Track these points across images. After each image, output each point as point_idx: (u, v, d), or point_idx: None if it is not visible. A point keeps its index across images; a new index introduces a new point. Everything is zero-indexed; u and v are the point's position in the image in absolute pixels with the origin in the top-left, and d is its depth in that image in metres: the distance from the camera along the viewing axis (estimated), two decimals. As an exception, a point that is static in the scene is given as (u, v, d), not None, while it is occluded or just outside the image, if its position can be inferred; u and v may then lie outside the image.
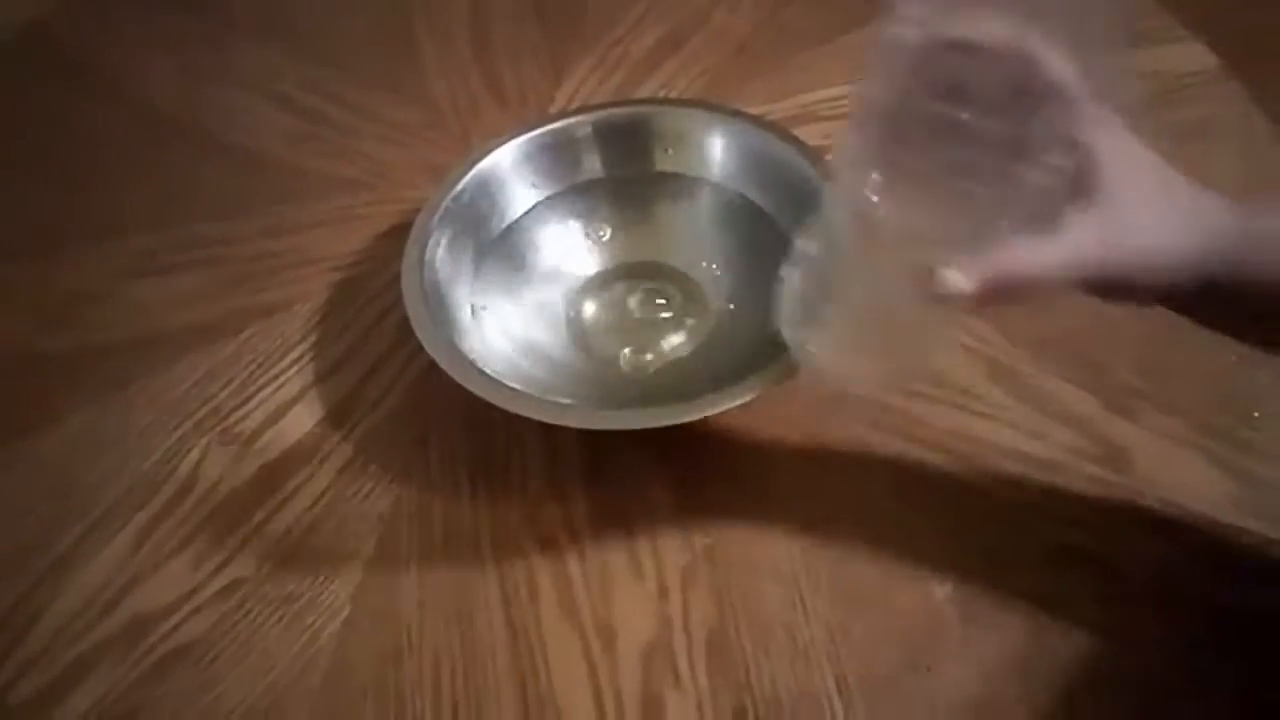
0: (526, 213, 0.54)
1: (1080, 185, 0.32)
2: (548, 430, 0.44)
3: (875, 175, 0.33)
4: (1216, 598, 0.41)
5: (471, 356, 0.45)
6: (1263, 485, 0.44)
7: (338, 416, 0.50)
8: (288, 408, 0.51)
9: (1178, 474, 0.44)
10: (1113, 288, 0.33)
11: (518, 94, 0.67)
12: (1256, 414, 0.46)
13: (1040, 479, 0.45)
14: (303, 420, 0.50)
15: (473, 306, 0.50)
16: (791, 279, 0.37)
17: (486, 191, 0.52)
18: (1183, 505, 0.43)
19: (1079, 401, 0.47)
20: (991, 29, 0.31)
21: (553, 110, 0.65)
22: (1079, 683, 0.39)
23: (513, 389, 0.43)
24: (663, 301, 0.52)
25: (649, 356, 0.50)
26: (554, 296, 0.53)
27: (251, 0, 0.79)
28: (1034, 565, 0.42)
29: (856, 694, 0.39)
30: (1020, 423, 0.47)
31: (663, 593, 0.43)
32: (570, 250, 0.54)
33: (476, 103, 0.67)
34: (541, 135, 0.54)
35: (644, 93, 0.66)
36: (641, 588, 0.43)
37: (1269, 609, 0.40)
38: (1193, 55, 0.63)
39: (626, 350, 0.51)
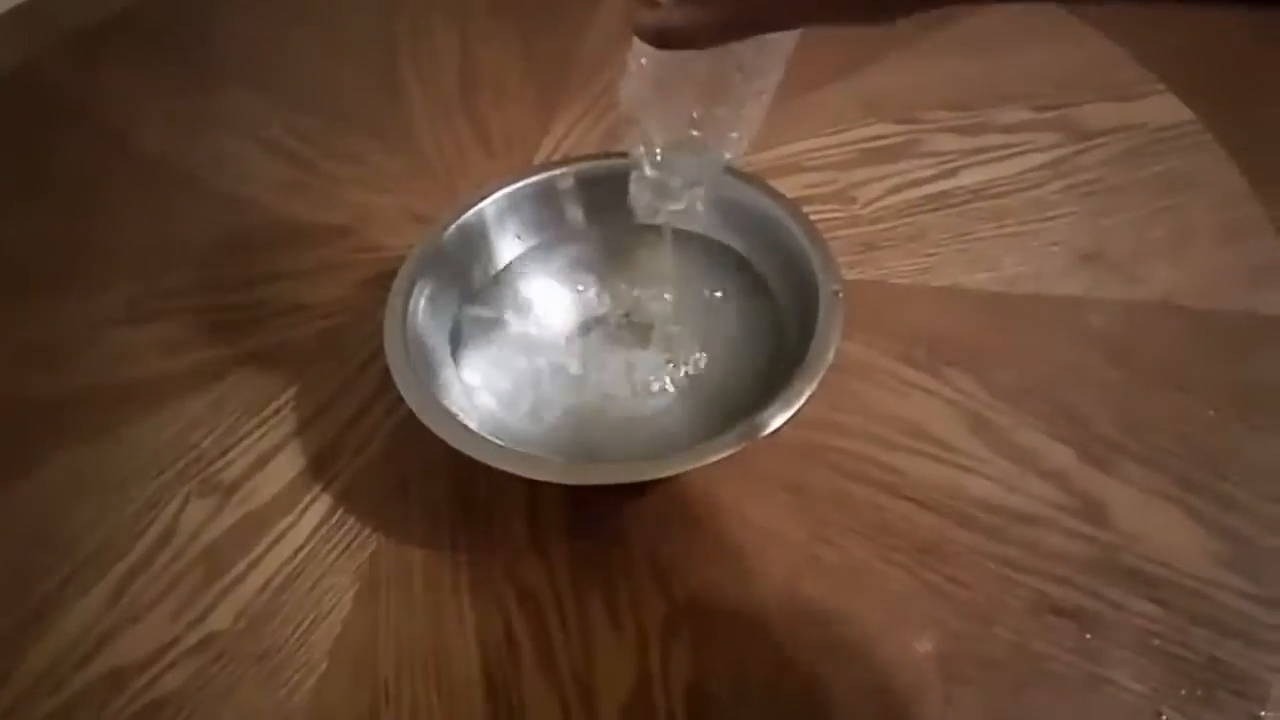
0: (510, 264, 0.54)
1: None
2: (529, 481, 0.44)
3: None
4: (1197, 654, 0.41)
5: (453, 408, 0.45)
6: (1241, 540, 0.44)
7: (319, 466, 0.50)
8: (269, 457, 0.51)
9: (1156, 528, 0.45)
10: None
11: (504, 142, 0.68)
12: (1239, 468, 0.46)
13: (1020, 533, 0.45)
14: (284, 470, 0.50)
15: (455, 358, 0.50)
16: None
17: (470, 242, 0.53)
18: (1162, 560, 0.43)
19: (1057, 454, 0.47)
20: None
21: (539, 159, 0.66)
22: (1059, 739, 0.39)
23: (493, 443, 0.43)
24: (645, 352, 0.52)
25: (631, 407, 0.50)
26: (537, 346, 0.53)
27: (240, 47, 0.80)
28: (1014, 620, 0.42)
29: (836, 751, 0.39)
30: (999, 476, 0.47)
31: (642, 646, 0.43)
32: (553, 301, 0.55)
33: (463, 151, 0.67)
34: (526, 186, 0.54)
35: (630, 141, 0.66)
36: (621, 640, 0.43)
37: (1248, 666, 0.40)
38: (1170, 109, 0.64)
39: (609, 399, 0.51)
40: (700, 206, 0.45)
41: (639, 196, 0.45)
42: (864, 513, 0.46)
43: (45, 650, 0.44)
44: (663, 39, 0.34)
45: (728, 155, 0.42)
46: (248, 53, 0.79)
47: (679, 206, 0.45)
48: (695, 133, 0.41)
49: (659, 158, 0.43)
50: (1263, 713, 0.39)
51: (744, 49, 0.37)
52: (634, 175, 0.44)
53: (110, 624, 0.45)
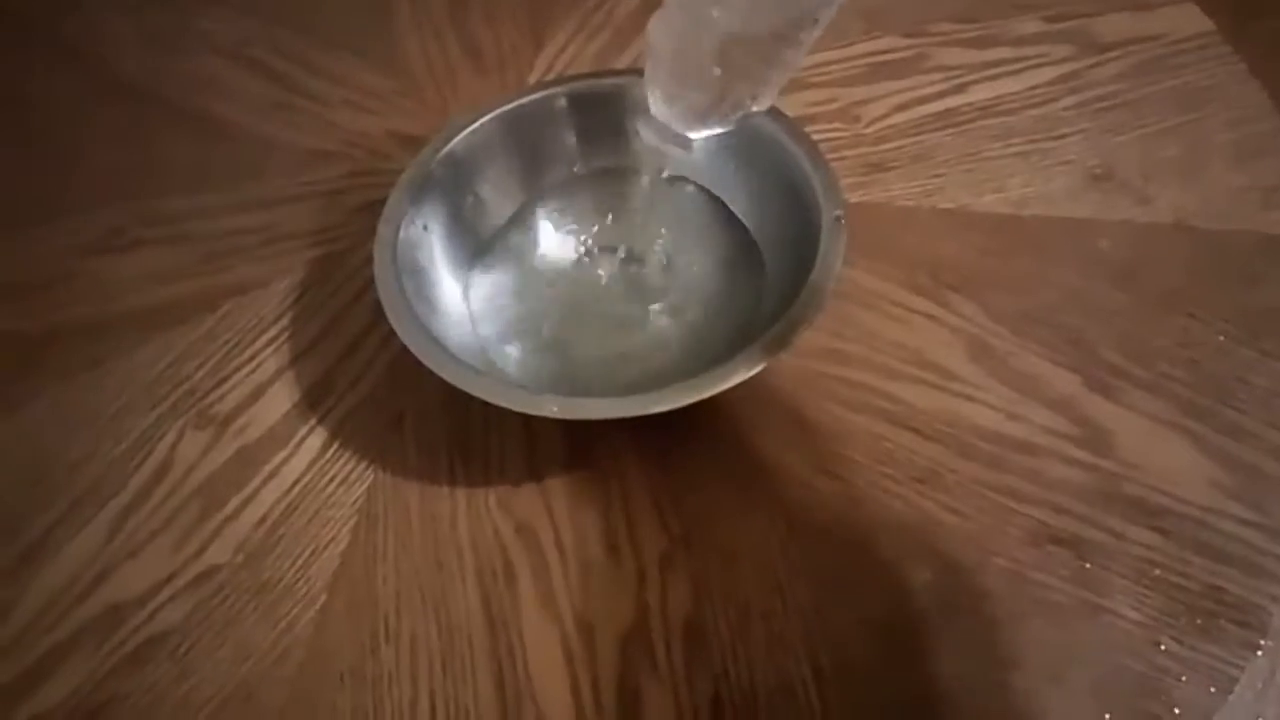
0: (504, 191, 0.53)
1: None
2: (526, 414, 0.43)
3: None
4: (1198, 583, 0.40)
5: (450, 339, 0.44)
6: (1246, 469, 0.43)
7: (314, 398, 0.50)
8: (264, 389, 0.50)
9: (1160, 456, 0.44)
10: None
11: (496, 60, 0.65)
12: (1245, 395, 0.45)
13: (1021, 462, 0.44)
14: (279, 402, 0.50)
15: (452, 286, 0.49)
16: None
17: (462, 167, 0.51)
18: (1164, 488, 0.43)
19: (1061, 381, 0.47)
20: None
21: (532, 78, 0.64)
22: (1059, 668, 0.39)
23: (488, 378, 0.42)
24: (645, 283, 0.51)
25: (630, 339, 0.49)
26: (537, 275, 0.52)
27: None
28: (1013, 550, 0.42)
29: (832, 681, 0.39)
30: (1001, 404, 0.46)
31: (640, 579, 0.43)
32: (552, 229, 0.53)
33: (453, 69, 0.65)
34: (520, 108, 0.52)
35: (628, 58, 0.64)
36: (619, 573, 0.43)
37: (1249, 595, 0.40)
38: (1189, 19, 0.61)
39: (608, 331, 0.50)
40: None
41: (646, 139, 0.43)
42: (864, 442, 0.46)
43: (44, 586, 0.45)
44: None
45: (740, 113, 0.40)
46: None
47: (686, 154, 0.43)
48: (714, 90, 0.39)
49: (671, 101, 0.41)
50: (1263, 641, 0.39)
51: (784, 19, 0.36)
52: (641, 119, 0.43)
53: (108, 559, 0.45)
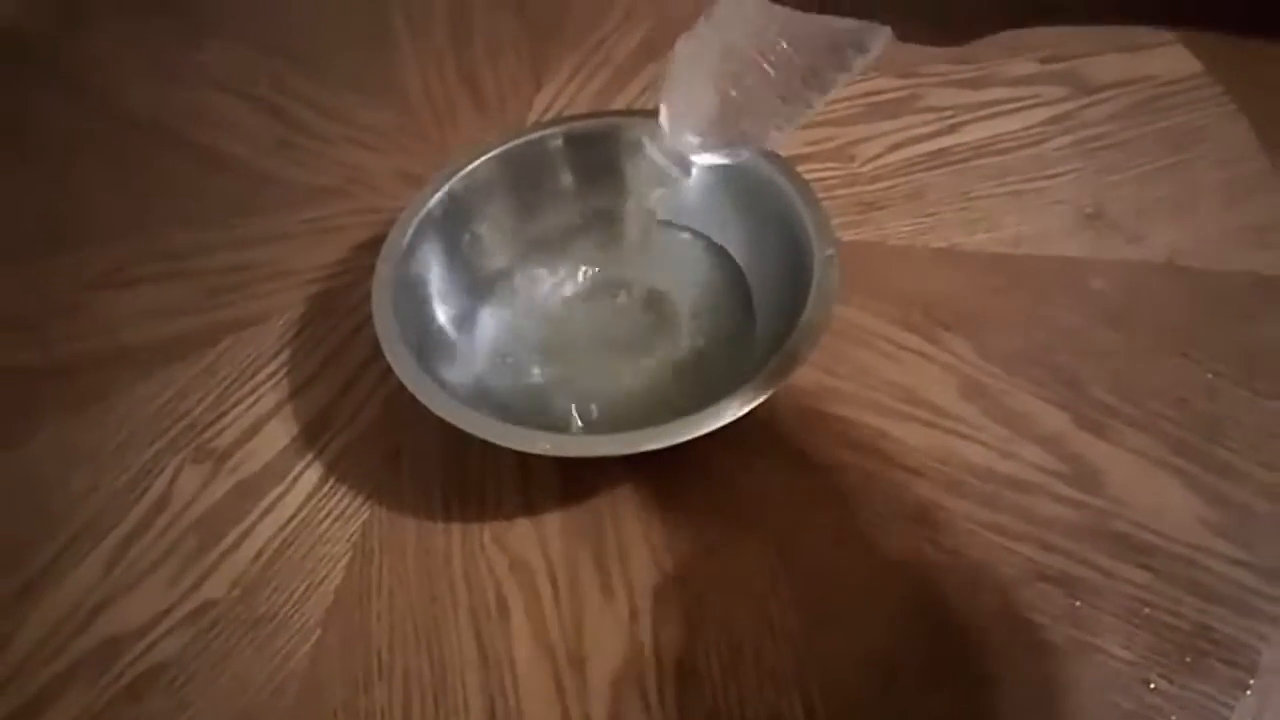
0: (503, 229, 0.53)
1: None
2: (522, 450, 0.43)
3: None
4: (1187, 621, 0.41)
5: (447, 375, 0.45)
6: (1235, 507, 0.43)
7: (311, 433, 0.50)
8: (262, 424, 0.51)
9: (1150, 494, 0.44)
10: None
11: (497, 98, 0.66)
12: (1235, 434, 0.46)
13: (1012, 500, 0.45)
14: (277, 437, 0.50)
15: (452, 322, 0.50)
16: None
17: (462, 206, 0.52)
18: (1154, 527, 0.43)
19: (1052, 419, 0.47)
20: None
21: (532, 117, 0.65)
22: (1050, 706, 0.39)
23: (484, 417, 0.43)
24: (639, 323, 0.52)
25: (626, 376, 0.50)
26: (533, 311, 0.53)
27: (225, 0, 0.78)
28: (1004, 588, 0.42)
29: (824, 718, 0.39)
30: (993, 442, 0.47)
31: (633, 615, 0.43)
32: (550, 265, 0.54)
33: (454, 107, 0.66)
34: (519, 147, 0.53)
35: (626, 97, 0.65)
36: (612, 610, 0.43)
37: (1238, 634, 0.40)
38: (1179, 61, 0.62)
39: (604, 368, 0.50)
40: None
41: (649, 154, 0.43)
42: (857, 479, 0.46)
43: (42, 619, 0.45)
44: None
45: (746, 146, 0.41)
46: (233, 6, 0.77)
47: (684, 178, 0.43)
48: (725, 116, 0.39)
49: (682, 119, 0.41)
50: (1252, 681, 0.39)
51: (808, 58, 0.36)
52: (648, 133, 0.43)
53: (106, 592, 0.45)
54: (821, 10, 0.32)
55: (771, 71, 0.37)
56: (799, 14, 0.33)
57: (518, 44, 0.70)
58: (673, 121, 0.41)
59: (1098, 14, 0.29)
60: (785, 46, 0.37)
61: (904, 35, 0.32)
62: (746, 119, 0.39)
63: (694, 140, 0.41)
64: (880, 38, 0.35)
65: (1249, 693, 0.39)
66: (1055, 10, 0.30)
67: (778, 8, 0.34)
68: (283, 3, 0.77)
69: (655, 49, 0.68)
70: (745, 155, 0.41)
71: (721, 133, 0.40)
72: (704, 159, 0.42)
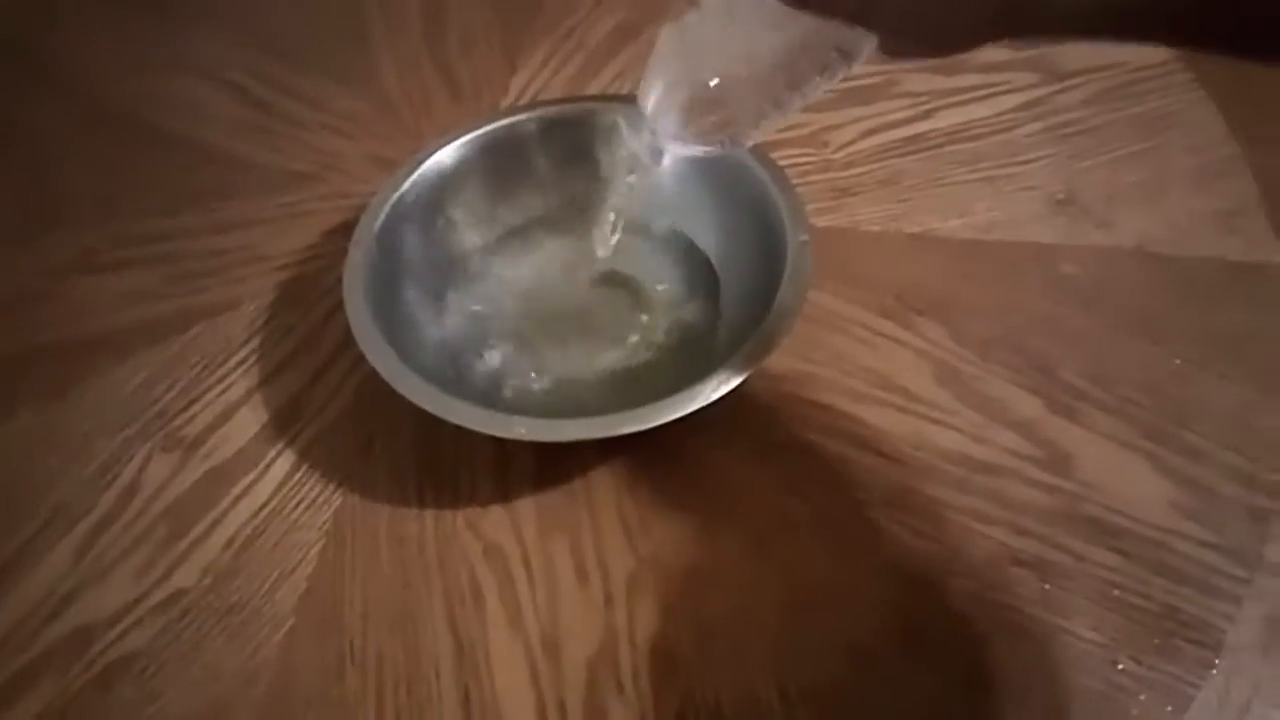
0: (476, 214, 0.53)
1: None
2: (496, 435, 0.43)
3: None
4: (1156, 603, 0.41)
5: (420, 361, 0.45)
6: (1202, 490, 0.44)
7: (283, 421, 0.50)
8: (232, 411, 0.50)
9: (1120, 478, 0.45)
10: None
11: (471, 85, 0.66)
12: (1204, 418, 0.46)
13: (984, 484, 0.45)
14: (248, 424, 0.50)
15: (424, 307, 0.50)
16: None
17: (434, 190, 0.51)
18: (1124, 510, 0.44)
19: (1025, 404, 0.47)
20: None
21: (505, 103, 0.64)
22: (1021, 688, 0.39)
23: (457, 401, 0.43)
24: (614, 303, 0.52)
25: (598, 360, 0.50)
26: (505, 296, 0.52)
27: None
28: (976, 571, 0.43)
29: (798, 703, 0.39)
30: (966, 426, 0.47)
31: (608, 601, 0.43)
32: (519, 253, 0.54)
33: (428, 94, 0.66)
34: (492, 131, 0.53)
35: (599, 83, 0.65)
36: (587, 595, 0.43)
37: (1204, 615, 0.41)
38: (1150, 48, 0.63)
39: (576, 351, 0.50)
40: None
41: (625, 138, 0.43)
42: (831, 465, 0.46)
43: (11, 608, 0.44)
44: None
45: (721, 141, 0.40)
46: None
47: (655, 166, 0.43)
48: (704, 108, 0.39)
49: (661, 108, 0.41)
50: (1218, 660, 0.40)
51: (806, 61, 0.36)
52: (627, 116, 0.42)
53: (75, 582, 0.45)
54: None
55: (756, 71, 0.37)
56: (791, 11, 0.33)
57: (491, 31, 0.70)
58: (651, 110, 0.41)
59: (1089, 32, 0.29)
60: (772, 46, 0.37)
61: (890, 50, 0.32)
62: (726, 115, 0.39)
63: (670, 130, 0.41)
64: (867, 47, 0.35)
65: (1215, 672, 0.39)
66: (1045, 30, 0.30)
67: (771, 3, 0.34)
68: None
69: (628, 34, 0.68)
70: (720, 150, 0.41)
71: (699, 126, 0.40)
72: (678, 150, 0.42)
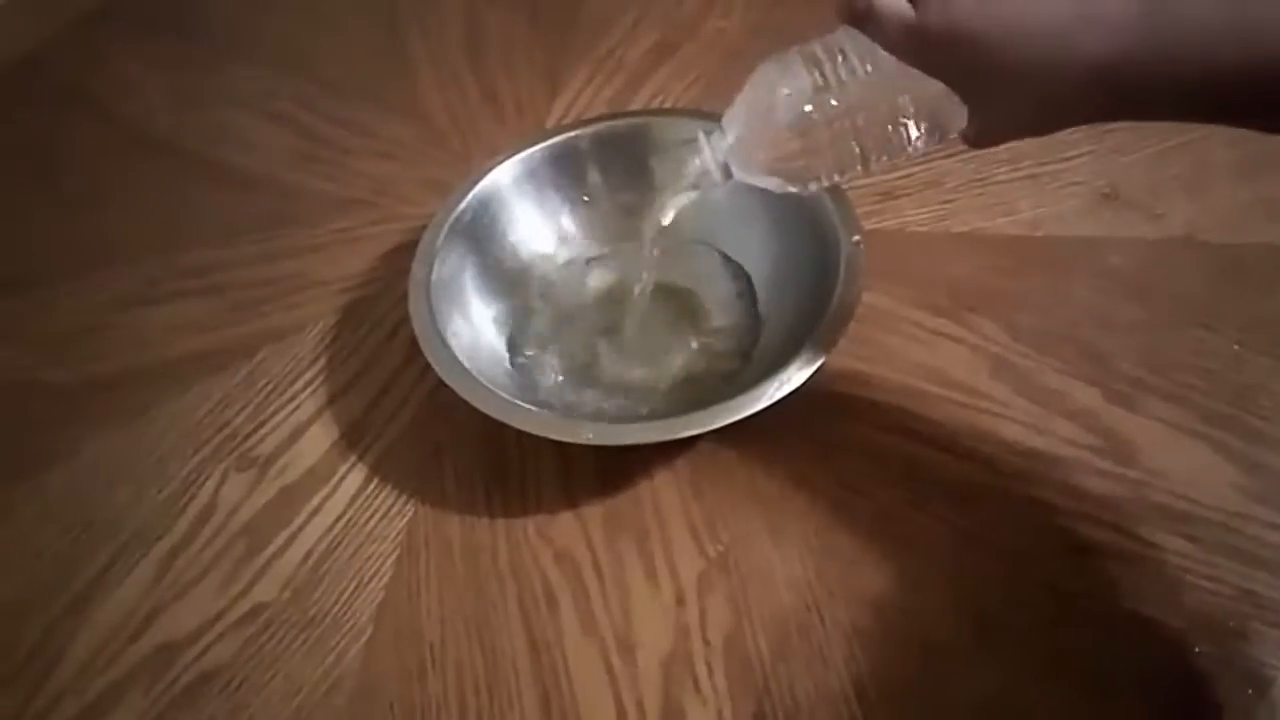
0: (530, 228, 0.54)
1: None
2: (561, 442, 0.44)
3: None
4: (1229, 587, 0.41)
5: (483, 373, 0.46)
6: (1267, 472, 0.44)
7: (353, 436, 0.51)
8: (303, 430, 0.52)
9: (1183, 464, 0.45)
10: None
11: (514, 107, 0.68)
12: (1264, 401, 0.46)
13: (1048, 475, 0.45)
14: (319, 441, 0.51)
15: (485, 321, 0.51)
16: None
17: (489, 208, 0.53)
18: (1190, 495, 0.44)
19: (1083, 395, 0.48)
20: None
21: (549, 122, 0.66)
22: (1099, 676, 0.39)
23: (523, 407, 0.43)
24: (662, 318, 0.53)
25: (660, 365, 0.51)
26: (563, 308, 0.54)
27: (242, 21, 0.80)
28: (1046, 561, 0.43)
29: (874, 696, 0.40)
30: (1026, 419, 0.47)
31: (679, 601, 0.43)
32: (575, 265, 0.55)
33: (474, 117, 0.67)
34: (541, 150, 0.54)
35: (639, 101, 0.66)
36: (658, 596, 0.44)
37: (1279, 596, 0.40)
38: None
39: (636, 358, 0.51)
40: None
41: (700, 150, 0.43)
42: (893, 461, 0.47)
43: (96, 628, 0.45)
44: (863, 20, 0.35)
45: (794, 186, 0.41)
46: (250, 27, 0.78)
47: (721, 182, 0.43)
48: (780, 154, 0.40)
49: (737, 144, 0.41)
50: (1296, 641, 0.39)
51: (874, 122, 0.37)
52: (708, 132, 0.43)
53: (157, 600, 0.46)
54: None
55: (849, 126, 0.38)
56: (900, 66, 0.34)
57: (531, 55, 0.71)
58: (734, 134, 0.41)
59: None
60: (873, 104, 0.37)
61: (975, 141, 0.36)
62: (808, 160, 0.39)
63: (747, 159, 0.41)
64: (959, 123, 0.37)
65: (1295, 652, 0.39)
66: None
67: (884, 55, 0.35)
68: (299, 25, 0.78)
69: (665, 53, 0.69)
70: (790, 190, 0.41)
71: (778, 163, 0.40)
72: (748, 178, 0.42)
